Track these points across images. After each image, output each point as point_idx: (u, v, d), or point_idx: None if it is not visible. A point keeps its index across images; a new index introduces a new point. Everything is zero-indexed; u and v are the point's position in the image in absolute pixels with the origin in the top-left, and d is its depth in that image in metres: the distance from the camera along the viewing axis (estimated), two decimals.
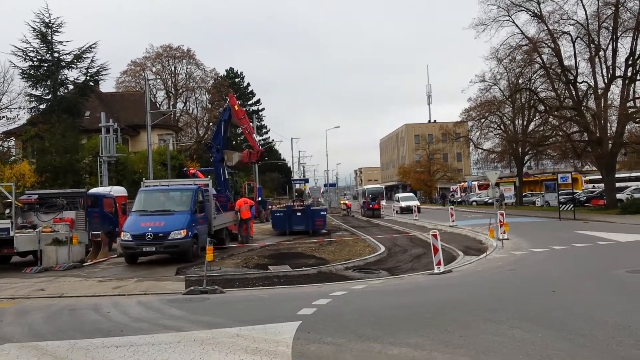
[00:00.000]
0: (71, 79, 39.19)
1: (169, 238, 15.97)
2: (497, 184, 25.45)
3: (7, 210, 18.15)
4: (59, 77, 37.75)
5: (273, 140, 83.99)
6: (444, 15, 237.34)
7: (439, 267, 13.16)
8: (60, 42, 37.66)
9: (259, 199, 41.04)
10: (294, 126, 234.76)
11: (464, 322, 7.45)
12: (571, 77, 37.15)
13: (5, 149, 38.75)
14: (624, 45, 35.52)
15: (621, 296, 9.27)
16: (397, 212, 48.33)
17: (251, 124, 34.80)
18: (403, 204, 49.03)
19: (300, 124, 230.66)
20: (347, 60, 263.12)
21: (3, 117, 36.24)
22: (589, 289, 10.06)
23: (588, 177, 51.47)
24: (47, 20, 36.98)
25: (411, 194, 58.83)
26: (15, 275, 14.72)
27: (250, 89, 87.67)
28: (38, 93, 37.74)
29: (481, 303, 8.93)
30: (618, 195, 35.88)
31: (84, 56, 38.73)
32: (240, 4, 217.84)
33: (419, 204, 48.61)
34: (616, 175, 37.51)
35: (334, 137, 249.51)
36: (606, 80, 35.87)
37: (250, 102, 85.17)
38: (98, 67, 39.88)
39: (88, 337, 7.38)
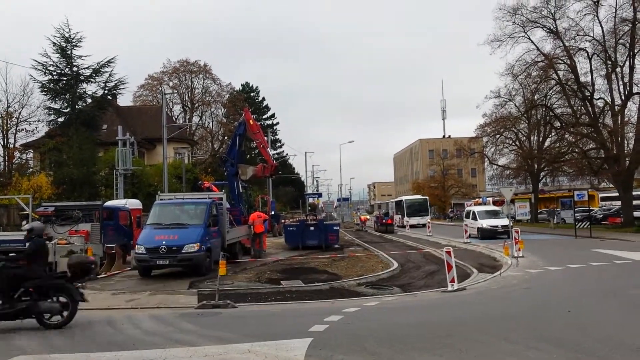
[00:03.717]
0: (89, 92, 39.85)
1: (183, 251, 16.03)
2: (512, 201, 25.06)
3: (24, 222, 18.41)
4: (78, 90, 38.35)
5: (287, 154, 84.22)
6: (459, 31, 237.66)
7: (452, 285, 13.04)
8: (80, 57, 38.37)
9: (273, 213, 41.08)
10: (308, 140, 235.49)
11: (478, 342, 7.37)
12: (587, 94, 36.90)
13: (24, 161, 39.36)
14: None
15: (638, 316, 9.12)
16: (471, 237, 29.81)
17: (265, 138, 34.97)
18: (485, 223, 30.77)
19: (314, 137, 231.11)
20: (361, 75, 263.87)
21: (22, 129, 36.92)
22: (605, 308, 9.91)
23: (602, 195, 50.69)
24: (67, 35, 37.69)
25: (496, 208, 36.22)
26: None
27: (265, 103, 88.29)
28: (57, 106, 38.39)
29: (496, 322, 8.83)
30: (635, 213, 35.38)
31: (102, 70, 39.40)
32: (256, 19, 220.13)
33: (511, 223, 27.16)
34: (633, 193, 37.01)
35: (348, 152, 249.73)
36: (623, 97, 35.58)
37: (265, 117, 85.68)
38: (116, 81, 40.57)
39: (101, 350, 7.42)
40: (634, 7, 33.54)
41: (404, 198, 58.25)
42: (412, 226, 47.77)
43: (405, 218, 51.53)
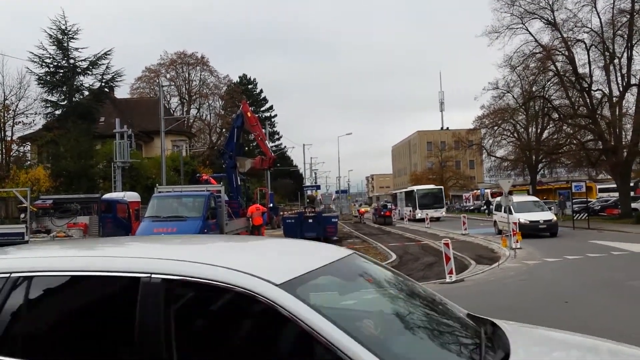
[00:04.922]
0: (86, 85, 39.76)
1: None
2: (511, 192, 24.87)
3: (22, 215, 18.41)
4: (75, 83, 38.24)
5: (285, 146, 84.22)
6: (457, 22, 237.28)
7: (450, 276, 13.08)
8: (76, 49, 38.25)
9: (271, 205, 41.14)
10: (306, 132, 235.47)
11: None
12: (585, 85, 36.91)
13: (21, 154, 39.35)
14: (639, 53, 35.32)
15: (636, 308, 9.17)
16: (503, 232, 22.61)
17: (263, 130, 34.94)
18: (523, 217, 23.60)
19: (312, 130, 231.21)
20: (359, 67, 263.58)
21: (19, 122, 36.92)
22: (603, 300, 9.96)
23: (600, 186, 50.79)
24: (63, 27, 37.53)
25: (534, 198, 29.45)
26: None
27: (263, 95, 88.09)
28: (54, 99, 38.28)
29: (493, 313, 8.81)
30: (633, 205, 35.50)
31: (99, 62, 39.27)
32: (254, 11, 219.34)
33: (555, 217, 26.34)
34: (631, 184, 37.13)
35: (346, 144, 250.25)
36: (621, 89, 35.60)
37: (262, 109, 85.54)
38: (113, 74, 40.44)
39: None
40: None
41: (415, 188, 52.62)
42: (411, 220, 47.20)
43: (417, 210, 47.47)
